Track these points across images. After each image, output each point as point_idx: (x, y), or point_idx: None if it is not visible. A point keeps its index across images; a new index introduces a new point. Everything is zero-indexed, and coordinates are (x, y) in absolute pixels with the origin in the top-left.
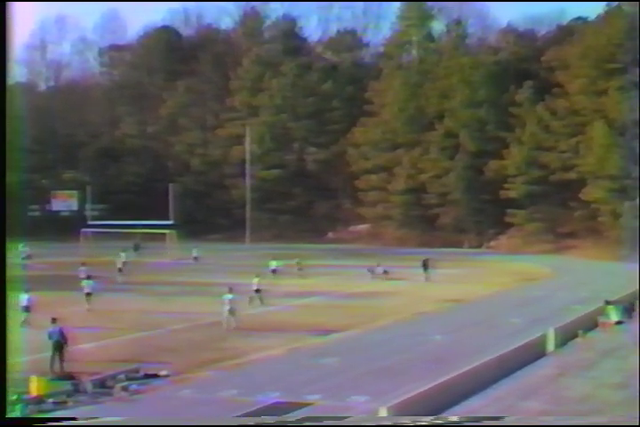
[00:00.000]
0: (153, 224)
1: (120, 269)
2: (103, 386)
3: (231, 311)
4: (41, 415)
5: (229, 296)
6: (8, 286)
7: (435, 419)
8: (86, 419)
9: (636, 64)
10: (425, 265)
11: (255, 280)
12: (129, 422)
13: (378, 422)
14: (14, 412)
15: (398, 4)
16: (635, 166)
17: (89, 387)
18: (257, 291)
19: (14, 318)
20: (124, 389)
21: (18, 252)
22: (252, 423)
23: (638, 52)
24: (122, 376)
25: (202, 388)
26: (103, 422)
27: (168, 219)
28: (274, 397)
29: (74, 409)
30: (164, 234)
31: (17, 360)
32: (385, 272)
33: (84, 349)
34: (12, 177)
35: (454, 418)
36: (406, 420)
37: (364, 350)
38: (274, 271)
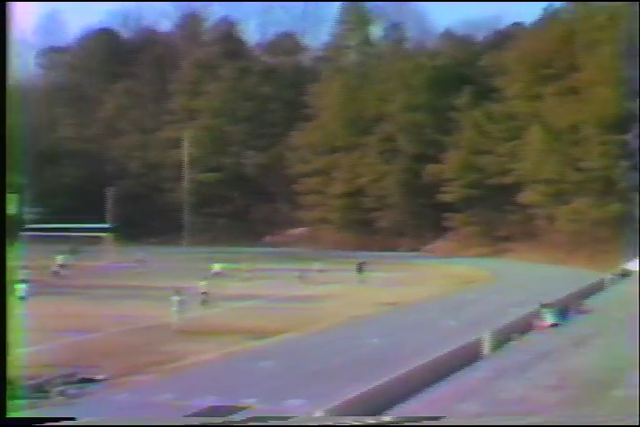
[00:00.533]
0: (91, 227)
1: (56, 273)
2: (39, 391)
3: (179, 313)
4: (40, 416)
5: (177, 298)
6: (7, 286)
7: (374, 419)
8: (86, 419)
9: (572, 70)
10: (359, 268)
11: (203, 283)
12: (129, 422)
13: (319, 422)
14: (14, 412)
15: (337, 8)
16: (571, 171)
17: (25, 392)
18: (204, 293)
19: None
20: (61, 393)
21: None
22: (197, 424)
23: (638, 52)
24: (58, 381)
25: (138, 392)
26: (103, 423)
27: (106, 222)
28: (210, 400)
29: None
30: (101, 237)
31: None
32: (320, 271)
33: (19, 353)
34: None
35: (388, 418)
36: (348, 420)
37: (301, 353)
38: (216, 275)
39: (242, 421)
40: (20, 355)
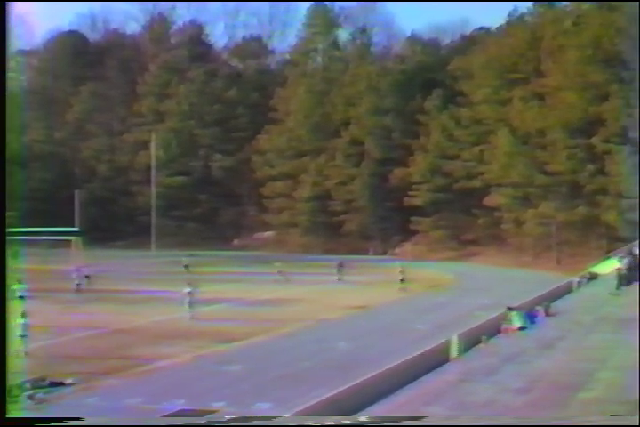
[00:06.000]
0: (58, 231)
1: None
2: (8, 395)
3: (191, 304)
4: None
5: (188, 289)
6: (7, 286)
7: (352, 419)
8: (91, 419)
9: (538, 74)
10: (340, 268)
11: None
12: (133, 422)
13: (301, 422)
14: (14, 412)
15: (304, 11)
16: (538, 175)
17: None
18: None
19: None
20: (30, 397)
21: None
22: (182, 423)
23: (639, 54)
24: (27, 385)
25: (107, 396)
26: (110, 422)
27: (74, 225)
28: (179, 404)
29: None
30: (69, 241)
31: None
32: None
33: None
34: None
35: (367, 418)
36: (329, 420)
37: (268, 357)
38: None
39: (225, 421)
40: None
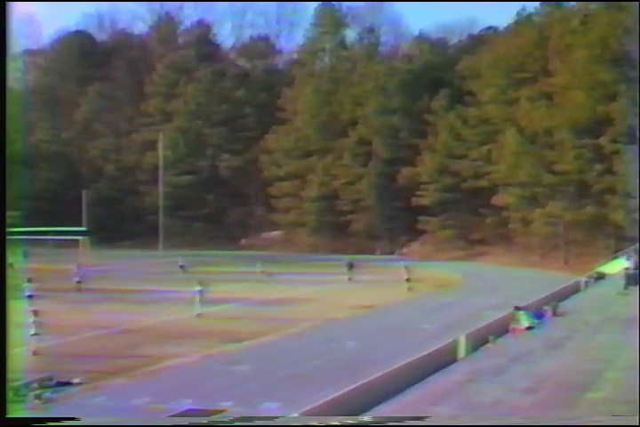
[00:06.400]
0: (65, 231)
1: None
2: (16, 394)
3: (201, 303)
4: (40, 415)
5: (199, 288)
6: (8, 286)
7: (356, 419)
8: (87, 420)
9: (546, 74)
10: (350, 267)
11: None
12: (130, 421)
13: (304, 423)
14: (14, 412)
15: (312, 11)
16: (545, 174)
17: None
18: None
19: None
20: (37, 397)
21: None
22: (185, 423)
23: (638, 53)
24: (35, 384)
25: (115, 395)
26: (105, 422)
27: (81, 225)
28: (187, 404)
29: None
30: (76, 241)
31: None
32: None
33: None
34: None
35: (371, 418)
36: (333, 420)
37: (277, 356)
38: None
39: (228, 421)
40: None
